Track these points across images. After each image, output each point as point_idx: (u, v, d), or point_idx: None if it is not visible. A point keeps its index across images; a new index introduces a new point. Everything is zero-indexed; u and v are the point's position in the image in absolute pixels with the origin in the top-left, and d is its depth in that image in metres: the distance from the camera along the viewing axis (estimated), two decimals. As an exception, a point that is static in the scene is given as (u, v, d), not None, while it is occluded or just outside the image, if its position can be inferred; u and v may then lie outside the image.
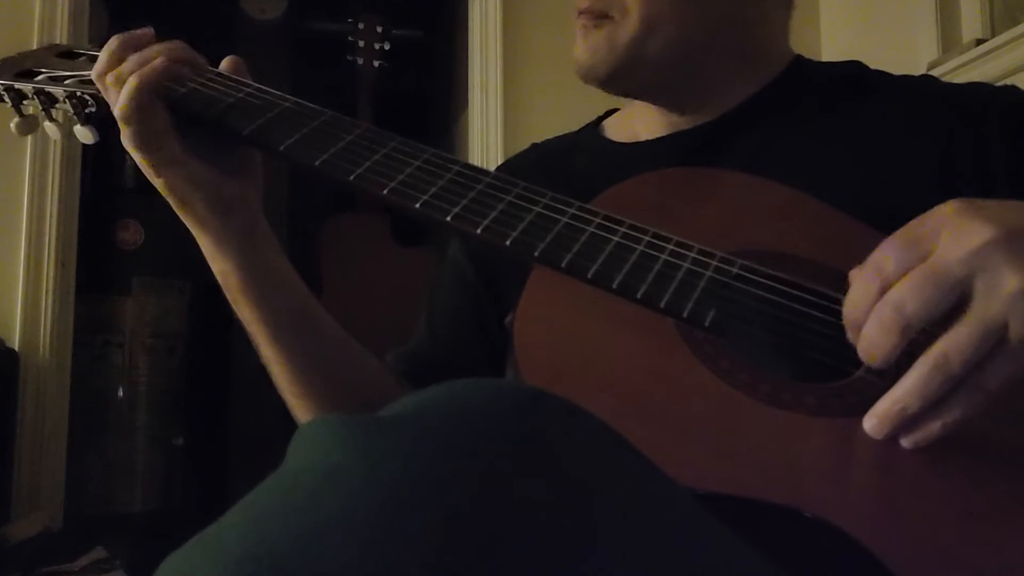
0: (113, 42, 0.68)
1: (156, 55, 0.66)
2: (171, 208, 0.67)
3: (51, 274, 2.28)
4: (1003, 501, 0.45)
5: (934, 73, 1.91)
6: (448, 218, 0.58)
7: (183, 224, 0.68)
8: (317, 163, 0.62)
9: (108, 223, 2.93)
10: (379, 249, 2.96)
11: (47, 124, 0.75)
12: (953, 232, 0.45)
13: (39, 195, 2.28)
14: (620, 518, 0.34)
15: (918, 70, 1.94)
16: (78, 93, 0.72)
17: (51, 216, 2.28)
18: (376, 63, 3.04)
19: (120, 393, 2.92)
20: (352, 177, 0.61)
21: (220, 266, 0.69)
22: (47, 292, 2.27)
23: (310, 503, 0.31)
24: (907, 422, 0.45)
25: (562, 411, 0.36)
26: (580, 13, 0.74)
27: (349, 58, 3.03)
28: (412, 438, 0.33)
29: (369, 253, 2.94)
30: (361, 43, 3.04)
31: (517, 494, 0.32)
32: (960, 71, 1.92)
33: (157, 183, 0.65)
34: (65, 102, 0.73)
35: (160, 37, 0.71)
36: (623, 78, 0.74)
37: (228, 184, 0.67)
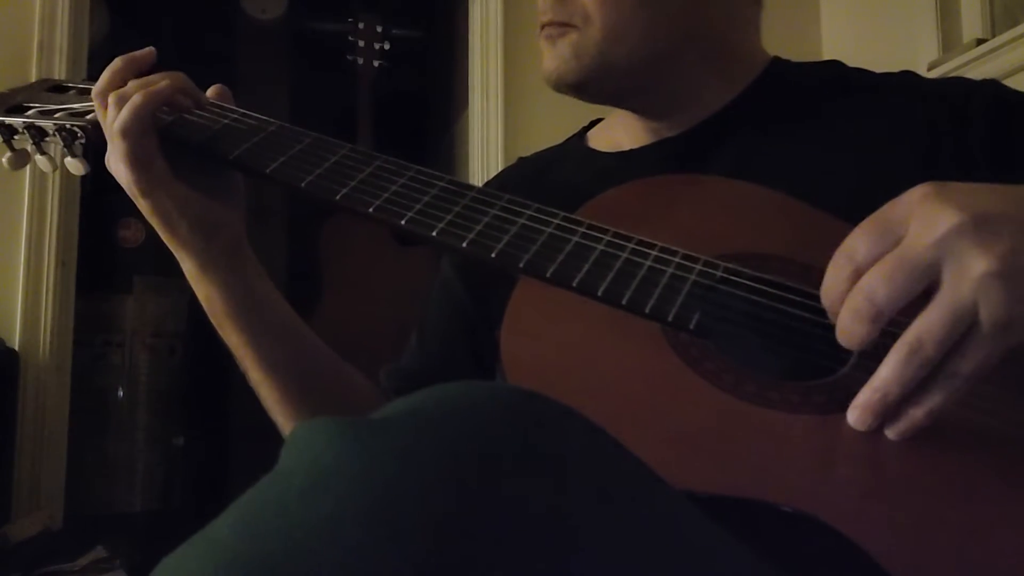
0: (117, 62, 0.70)
1: (161, 80, 0.68)
2: None
3: (51, 273, 2.27)
4: (995, 494, 0.45)
5: (934, 73, 1.91)
6: (433, 233, 0.59)
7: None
8: (303, 184, 0.64)
9: (109, 222, 2.93)
10: (379, 249, 2.96)
11: (38, 157, 0.77)
12: (921, 218, 0.45)
13: (39, 194, 2.28)
14: (612, 519, 0.34)
15: (918, 70, 1.94)
16: (67, 126, 0.73)
17: (51, 215, 2.28)
18: (376, 63, 3.04)
19: (120, 393, 2.92)
20: (338, 197, 0.62)
21: (204, 290, 0.70)
22: (47, 292, 2.27)
23: (302, 504, 0.31)
24: (889, 411, 0.46)
25: (553, 412, 0.37)
26: (543, 27, 0.75)
27: (349, 58, 3.02)
28: (404, 440, 0.33)
29: (369, 253, 2.94)
30: (361, 43, 3.03)
31: (508, 495, 0.32)
32: (960, 71, 1.92)
33: (143, 205, 0.66)
34: (55, 135, 0.74)
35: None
36: (593, 85, 0.74)
37: (212, 207, 0.68)
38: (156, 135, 0.65)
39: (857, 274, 0.46)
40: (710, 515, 0.38)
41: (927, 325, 0.44)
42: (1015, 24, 1.86)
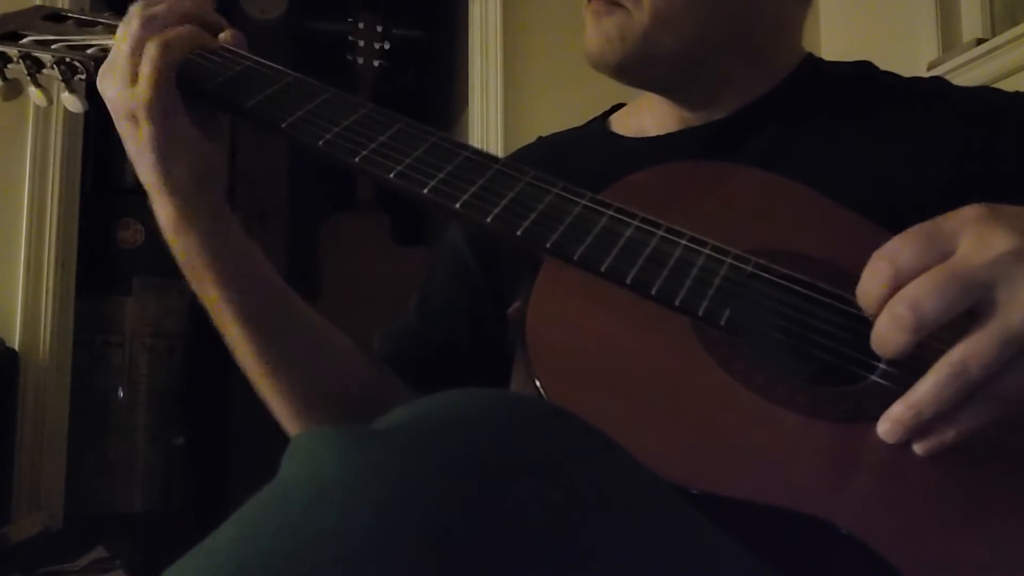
0: None
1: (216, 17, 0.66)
2: None
3: (51, 274, 2.28)
4: (1009, 506, 0.45)
5: (934, 73, 1.91)
6: (457, 205, 0.57)
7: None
8: (320, 143, 0.60)
9: (108, 223, 2.93)
10: (379, 249, 2.96)
11: (32, 90, 0.72)
12: (975, 237, 0.44)
13: (39, 195, 2.28)
14: (620, 535, 0.33)
15: (918, 70, 1.94)
16: (67, 59, 0.69)
17: (51, 216, 2.28)
18: (376, 63, 3.04)
19: (120, 393, 2.92)
20: (357, 160, 0.59)
21: (185, 242, 0.65)
22: (47, 292, 2.27)
23: (304, 517, 0.31)
24: (921, 427, 0.45)
25: (559, 425, 0.36)
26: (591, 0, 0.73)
27: (349, 58, 3.03)
28: (407, 452, 0.33)
29: (369, 253, 2.94)
30: (361, 43, 3.04)
31: (512, 509, 0.32)
32: (960, 71, 1.91)
33: (147, 132, 0.61)
34: (53, 68, 0.70)
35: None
36: (633, 70, 0.73)
37: (211, 153, 0.64)
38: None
39: (897, 279, 0.45)
40: (728, 517, 0.38)
41: (974, 349, 0.43)
42: (1015, 24, 1.86)
